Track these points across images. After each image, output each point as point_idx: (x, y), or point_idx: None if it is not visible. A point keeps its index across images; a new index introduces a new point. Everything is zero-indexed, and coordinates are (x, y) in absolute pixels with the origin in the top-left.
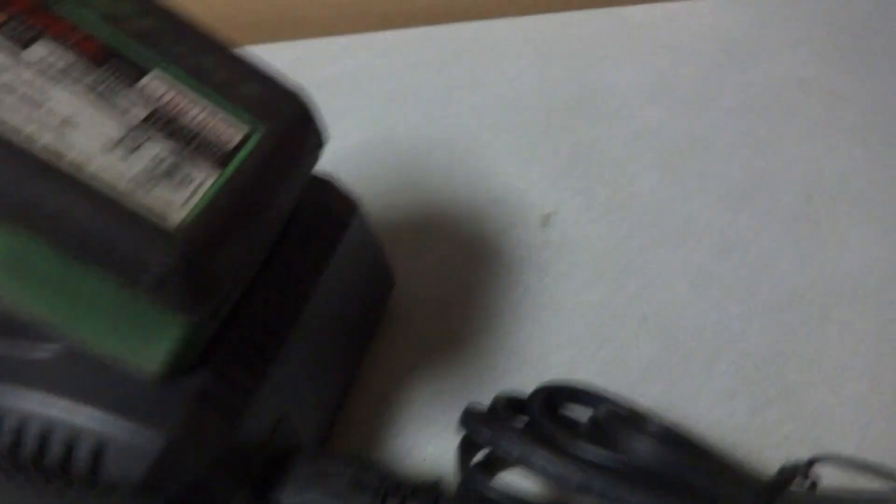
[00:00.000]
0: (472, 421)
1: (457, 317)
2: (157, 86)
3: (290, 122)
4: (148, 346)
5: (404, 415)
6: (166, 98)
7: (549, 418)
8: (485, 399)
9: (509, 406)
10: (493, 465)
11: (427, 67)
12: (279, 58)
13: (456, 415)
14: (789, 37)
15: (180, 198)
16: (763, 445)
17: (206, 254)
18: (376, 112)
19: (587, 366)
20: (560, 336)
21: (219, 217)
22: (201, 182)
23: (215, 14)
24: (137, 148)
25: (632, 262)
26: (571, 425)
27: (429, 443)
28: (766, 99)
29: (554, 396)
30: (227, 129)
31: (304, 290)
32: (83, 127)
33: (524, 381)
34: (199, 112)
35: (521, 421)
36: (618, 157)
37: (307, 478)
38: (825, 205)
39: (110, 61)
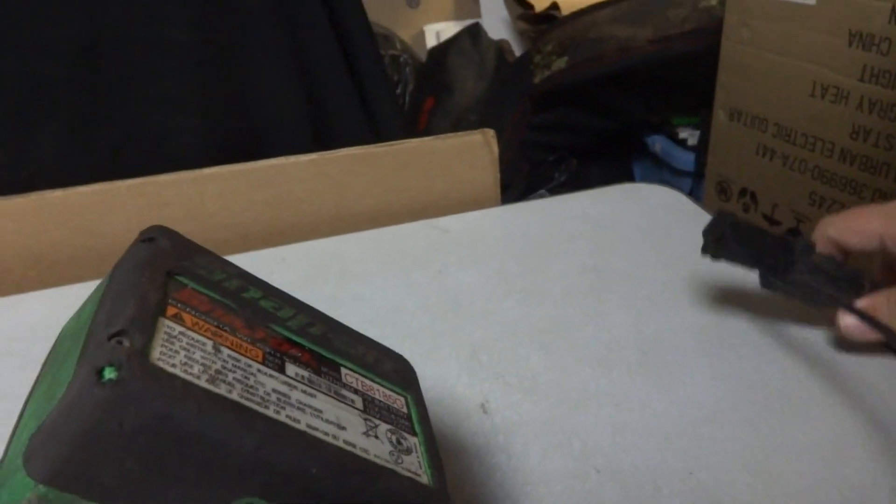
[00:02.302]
0: None
1: None
2: (350, 378)
3: (415, 384)
4: None
5: None
6: (359, 386)
7: None
8: None
9: None
10: None
11: (299, 286)
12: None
13: None
14: (568, 233)
15: (416, 461)
16: None
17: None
18: None
19: None
20: (546, 501)
21: (439, 471)
22: (415, 446)
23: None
24: (376, 430)
25: (565, 427)
26: None
27: None
28: (579, 283)
29: None
30: (396, 399)
31: None
32: (346, 423)
33: None
34: (378, 392)
35: None
36: (506, 346)
37: None
38: (655, 356)
39: (322, 368)
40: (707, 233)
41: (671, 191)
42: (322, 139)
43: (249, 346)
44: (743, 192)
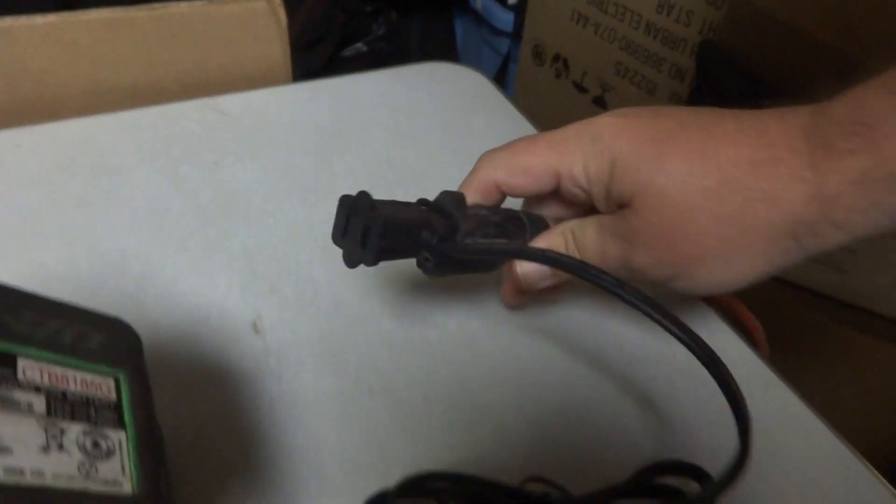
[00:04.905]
0: None
1: (227, 452)
2: (30, 372)
3: (136, 353)
4: None
5: None
6: (43, 380)
7: None
8: None
9: None
10: None
11: (38, 181)
12: None
13: None
14: (362, 120)
15: (118, 465)
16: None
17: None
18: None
19: (353, 447)
20: (316, 426)
21: (149, 468)
22: (119, 444)
23: None
24: (61, 439)
25: (343, 344)
26: None
27: None
28: (370, 179)
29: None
30: (101, 385)
31: None
32: (13, 440)
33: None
34: (74, 380)
35: None
36: (285, 253)
37: None
38: None
39: None
40: (341, 238)
41: (473, 73)
42: None
43: None
44: (556, 57)
